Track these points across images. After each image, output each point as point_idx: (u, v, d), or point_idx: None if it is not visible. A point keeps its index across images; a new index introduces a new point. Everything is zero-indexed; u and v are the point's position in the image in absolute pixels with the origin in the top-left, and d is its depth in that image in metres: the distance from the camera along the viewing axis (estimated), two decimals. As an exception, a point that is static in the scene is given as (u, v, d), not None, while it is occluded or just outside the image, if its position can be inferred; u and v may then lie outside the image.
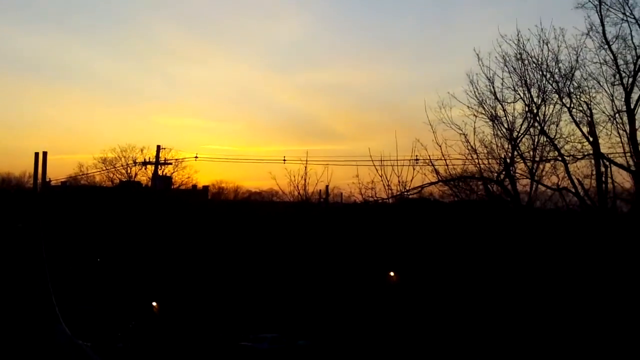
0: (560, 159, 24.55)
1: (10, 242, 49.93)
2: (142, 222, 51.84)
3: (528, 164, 25.56)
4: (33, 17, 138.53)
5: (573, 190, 23.98)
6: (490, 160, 25.88)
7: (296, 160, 40.23)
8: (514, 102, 25.83)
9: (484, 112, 25.98)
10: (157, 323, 45.33)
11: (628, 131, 23.62)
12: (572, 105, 24.48)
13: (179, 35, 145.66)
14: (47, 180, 52.50)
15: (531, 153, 25.64)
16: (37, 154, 44.70)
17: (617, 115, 23.98)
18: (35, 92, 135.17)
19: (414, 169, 25.78)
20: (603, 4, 23.96)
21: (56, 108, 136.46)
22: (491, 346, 29.61)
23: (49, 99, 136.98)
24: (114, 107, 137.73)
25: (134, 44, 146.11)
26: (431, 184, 26.02)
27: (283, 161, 42.62)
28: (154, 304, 47.98)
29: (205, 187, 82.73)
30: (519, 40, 25.41)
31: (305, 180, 41.23)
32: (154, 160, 50.04)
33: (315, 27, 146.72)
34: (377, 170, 26.27)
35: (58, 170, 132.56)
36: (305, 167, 40.73)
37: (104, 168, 70.44)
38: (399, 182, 26.09)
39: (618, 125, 23.98)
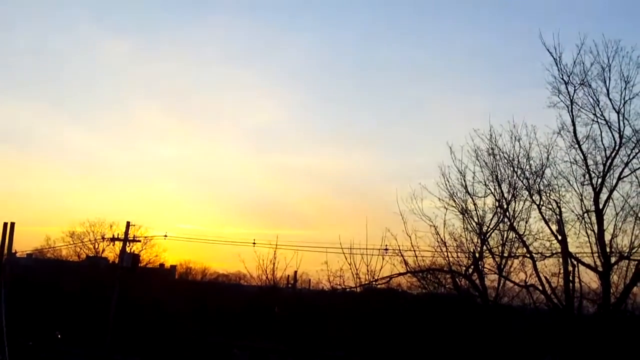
0: (528, 256, 24.57)
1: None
2: (105, 297, 50.86)
3: (497, 259, 25.58)
4: (6, 86, 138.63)
5: (540, 287, 23.93)
6: (459, 254, 25.90)
7: (266, 244, 39.77)
8: (484, 197, 25.96)
9: (454, 205, 26.10)
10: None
11: (596, 231, 23.72)
12: (541, 202, 24.63)
13: (155, 112, 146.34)
14: (13, 252, 51.59)
15: (500, 248, 25.73)
16: (5, 224, 44.15)
17: (585, 214, 24.12)
18: (4, 161, 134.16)
19: (383, 259, 25.78)
20: (575, 104, 24.39)
21: (26, 178, 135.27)
22: None
23: (19, 169, 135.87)
24: (86, 181, 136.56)
25: (108, 119, 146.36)
26: (400, 274, 25.89)
27: (253, 244, 42.19)
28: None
29: (173, 267, 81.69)
30: (491, 135, 25.75)
31: (274, 264, 40.72)
32: (123, 236, 49.53)
33: (290, 112, 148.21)
34: (346, 258, 26.21)
35: (25, 242, 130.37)
36: (275, 251, 40.28)
37: (72, 242, 69.67)
38: (367, 271, 26.02)
39: (587, 225, 24.11)
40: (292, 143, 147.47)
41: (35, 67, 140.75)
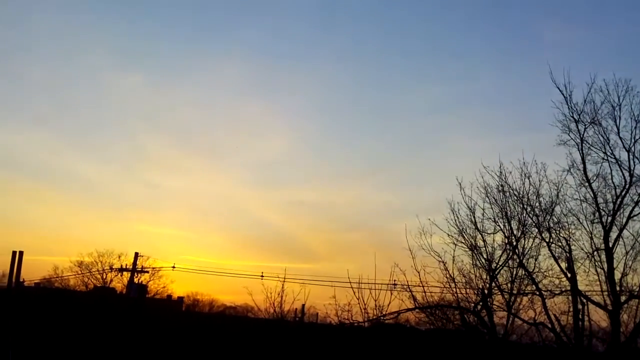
0: (537, 293, 24.47)
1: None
2: (112, 328, 50.70)
3: (506, 296, 25.47)
4: (20, 117, 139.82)
5: (550, 325, 23.79)
6: (468, 290, 25.76)
7: (274, 277, 39.66)
8: (493, 233, 25.87)
9: (463, 241, 25.99)
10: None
11: (606, 270, 23.68)
12: (551, 240, 24.61)
13: (164, 144, 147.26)
14: (21, 280, 51.74)
15: (509, 285, 25.61)
16: (14, 253, 44.37)
17: (595, 253, 24.12)
18: (14, 189, 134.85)
19: (391, 294, 25.62)
20: (585, 142, 24.52)
21: (36, 207, 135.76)
22: None
23: (28, 198, 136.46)
24: (95, 211, 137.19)
25: (118, 150, 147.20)
26: (408, 310, 25.76)
27: (261, 277, 42.18)
28: None
29: (181, 298, 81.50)
30: (501, 172, 25.81)
31: (282, 297, 40.55)
32: (131, 267, 49.63)
33: (299, 145, 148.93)
34: (354, 293, 26.10)
35: (33, 271, 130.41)
36: (283, 284, 40.17)
37: (80, 272, 69.79)
38: (375, 305, 25.87)
39: (596, 263, 24.10)
40: (300, 177, 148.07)
41: (47, 99, 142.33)
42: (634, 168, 23.84)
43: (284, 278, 40.80)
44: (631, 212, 23.93)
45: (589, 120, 24.41)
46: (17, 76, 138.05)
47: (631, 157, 23.92)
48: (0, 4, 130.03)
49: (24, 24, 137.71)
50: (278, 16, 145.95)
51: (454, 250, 25.76)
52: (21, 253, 44.77)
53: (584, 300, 23.50)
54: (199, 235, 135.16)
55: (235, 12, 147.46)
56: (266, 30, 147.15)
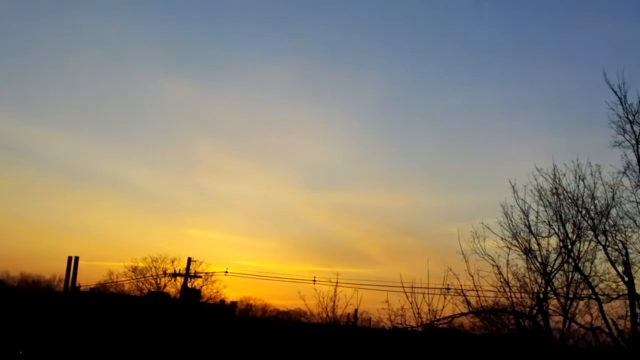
0: (594, 297, 24.14)
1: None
2: (166, 332, 51.48)
3: (561, 300, 25.16)
4: (71, 125, 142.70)
5: (607, 330, 23.44)
6: (522, 294, 25.56)
7: (326, 281, 39.78)
8: (548, 237, 25.56)
9: (517, 244, 25.77)
10: None
11: (664, 273, 23.29)
12: (607, 243, 24.20)
13: (214, 150, 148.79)
14: (77, 285, 52.74)
15: (565, 289, 25.31)
16: (70, 258, 45.27)
17: (653, 256, 23.72)
18: (69, 197, 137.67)
19: (444, 298, 25.54)
20: (640, 144, 24.11)
21: (90, 214, 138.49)
22: None
23: (83, 205, 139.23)
24: (147, 217, 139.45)
25: (169, 156, 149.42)
26: (462, 314, 25.64)
27: (313, 282, 42.24)
28: None
29: (234, 303, 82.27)
30: (554, 175, 25.50)
31: (334, 302, 40.67)
32: (184, 272, 50.18)
33: (351, 149, 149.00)
34: (407, 297, 26.08)
35: (88, 276, 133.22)
36: (335, 289, 40.28)
37: (134, 277, 70.85)
38: (429, 310, 25.81)
39: (654, 267, 23.70)
40: (353, 181, 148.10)
41: (100, 107, 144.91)
42: (691, 169, 23.39)
43: (337, 282, 40.95)
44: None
45: (644, 121, 23.98)
46: (72, 85, 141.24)
47: (688, 158, 23.47)
48: (55, 16, 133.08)
49: (77, 35, 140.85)
50: (328, 19, 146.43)
51: (508, 254, 25.63)
52: (76, 258, 45.72)
53: (642, 305, 23.12)
54: (251, 239, 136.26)
55: (284, 16, 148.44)
56: (316, 33, 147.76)
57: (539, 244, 25.67)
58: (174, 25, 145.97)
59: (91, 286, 76.62)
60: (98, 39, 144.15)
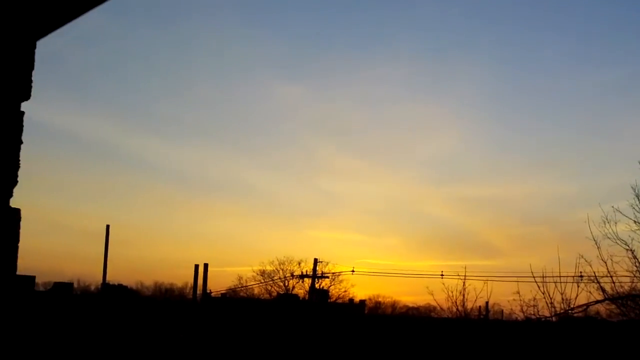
0: None
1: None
2: (297, 333, 52.28)
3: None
4: (194, 135, 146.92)
5: None
6: (660, 278, 24.47)
7: (454, 275, 39.36)
8: (684, 216, 24.45)
9: (651, 227, 24.73)
10: None
11: None
12: None
13: (331, 149, 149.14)
14: (208, 291, 54.30)
15: None
16: (197, 266, 46.74)
17: None
18: (198, 206, 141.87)
19: (578, 286, 24.82)
20: None
21: (218, 221, 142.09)
22: None
23: (211, 213, 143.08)
24: (272, 221, 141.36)
25: (287, 158, 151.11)
26: (597, 302, 24.85)
27: (441, 276, 41.93)
28: None
29: (362, 301, 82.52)
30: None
31: (464, 295, 40.19)
32: (311, 273, 50.75)
33: (471, 139, 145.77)
34: (538, 287, 25.52)
35: (218, 282, 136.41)
36: (464, 282, 39.80)
37: (262, 280, 72.19)
38: (562, 299, 25.16)
39: None
40: (475, 172, 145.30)
41: (217, 114, 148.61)
42: None
43: (465, 276, 40.52)
44: None
45: None
46: (192, 94, 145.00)
47: None
48: (170, 27, 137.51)
49: (193, 44, 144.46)
50: (437, 9, 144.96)
51: (643, 238, 24.57)
52: (206, 265, 47.15)
53: None
54: (376, 237, 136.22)
55: (394, 11, 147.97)
56: (427, 25, 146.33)
57: (675, 226, 24.49)
58: (285, 32, 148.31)
59: (222, 291, 78.94)
60: (215, 49, 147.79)
